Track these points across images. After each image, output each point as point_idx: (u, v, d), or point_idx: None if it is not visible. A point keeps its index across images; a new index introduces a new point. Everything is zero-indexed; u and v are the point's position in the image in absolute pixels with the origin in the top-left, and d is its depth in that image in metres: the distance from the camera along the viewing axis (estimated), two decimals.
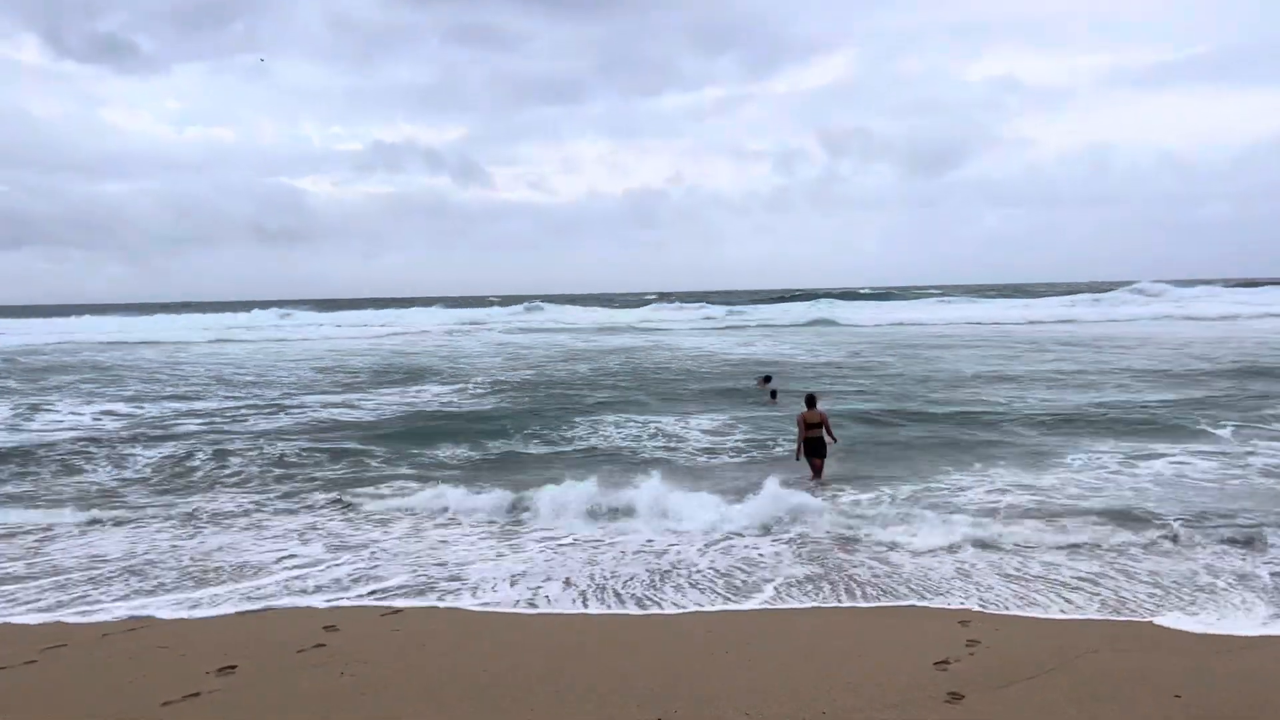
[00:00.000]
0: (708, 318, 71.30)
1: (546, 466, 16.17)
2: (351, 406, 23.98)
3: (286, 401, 25.18)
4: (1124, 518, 12.06)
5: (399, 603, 9.46)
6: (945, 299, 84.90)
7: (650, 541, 11.60)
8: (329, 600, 9.53)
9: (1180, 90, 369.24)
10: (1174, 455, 16.01)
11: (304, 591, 9.81)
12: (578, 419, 20.99)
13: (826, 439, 15.22)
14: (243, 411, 23.24)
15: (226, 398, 26.34)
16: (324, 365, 37.04)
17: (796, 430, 15.50)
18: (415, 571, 10.51)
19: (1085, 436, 17.94)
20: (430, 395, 26.37)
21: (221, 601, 9.50)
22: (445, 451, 17.68)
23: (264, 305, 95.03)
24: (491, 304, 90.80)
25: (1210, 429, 18.39)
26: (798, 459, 15.35)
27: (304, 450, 17.72)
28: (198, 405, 24.50)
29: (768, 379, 25.89)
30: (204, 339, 57.04)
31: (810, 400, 15.71)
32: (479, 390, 27.33)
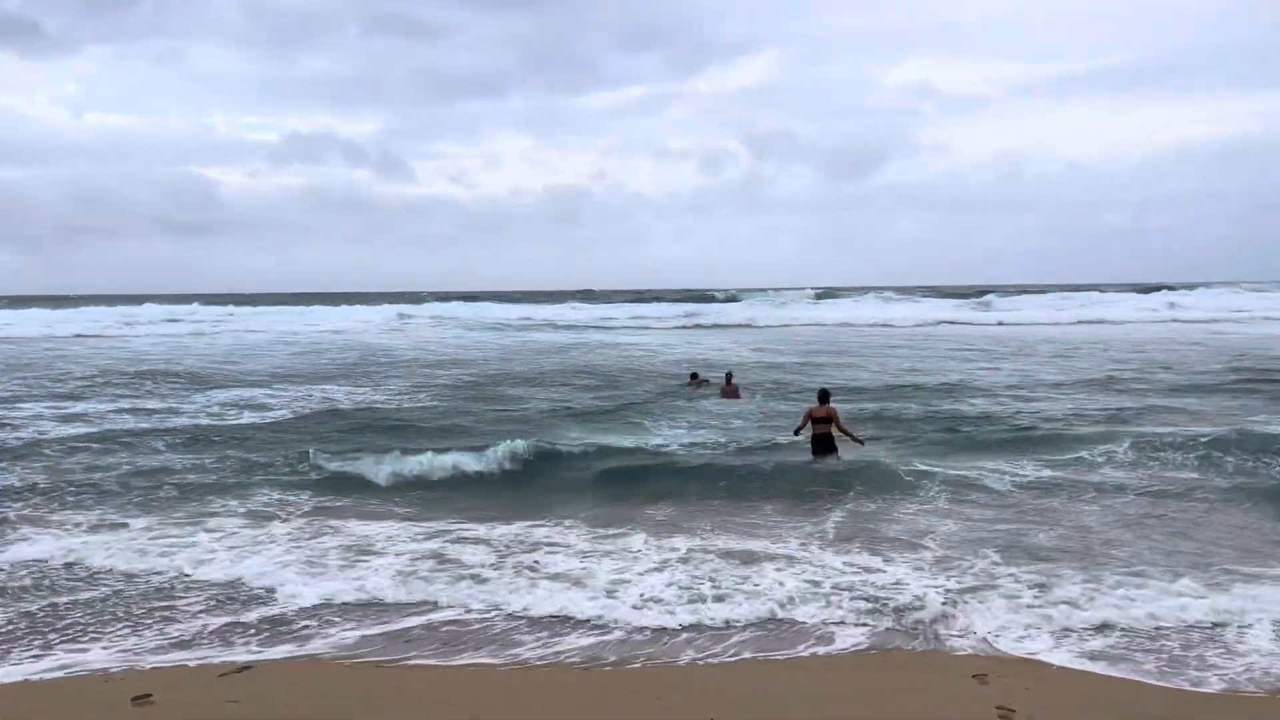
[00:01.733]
0: (635, 316, 68.83)
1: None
2: (254, 407, 21.35)
3: (178, 402, 22.27)
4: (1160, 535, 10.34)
5: (243, 654, 7.21)
6: (888, 298, 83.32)
7: (585, 568, 9.49)
8: (148, 656, 7.22)
9: (1085, 102, 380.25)
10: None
11: (120, 647, 7.46)
12: (513, 425, 18.84)
13: (848, 439, 14.48)
14: (119, 414, 20.32)
15: (109, 398, 23.22)
16: (229, 362, 34.04)
17: (800, 421, 14.99)
18: (270, 610, 8.24)
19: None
20: (343, 396, 23.79)
21: None
22: (355, 457, 15.20)
23: (172, 300, 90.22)
24: (422, 300, 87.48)
25: None
26: (795, 434, 15.01)
27: (175, 456, 15.16)
28: (75, 408, 21.36)
29: (694, 375, 24.51)
30: (101, 332, 52.63)
31: (822, 395, 14.96)
32: (400, 390, 24.83)
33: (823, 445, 14.41)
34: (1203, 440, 14.95)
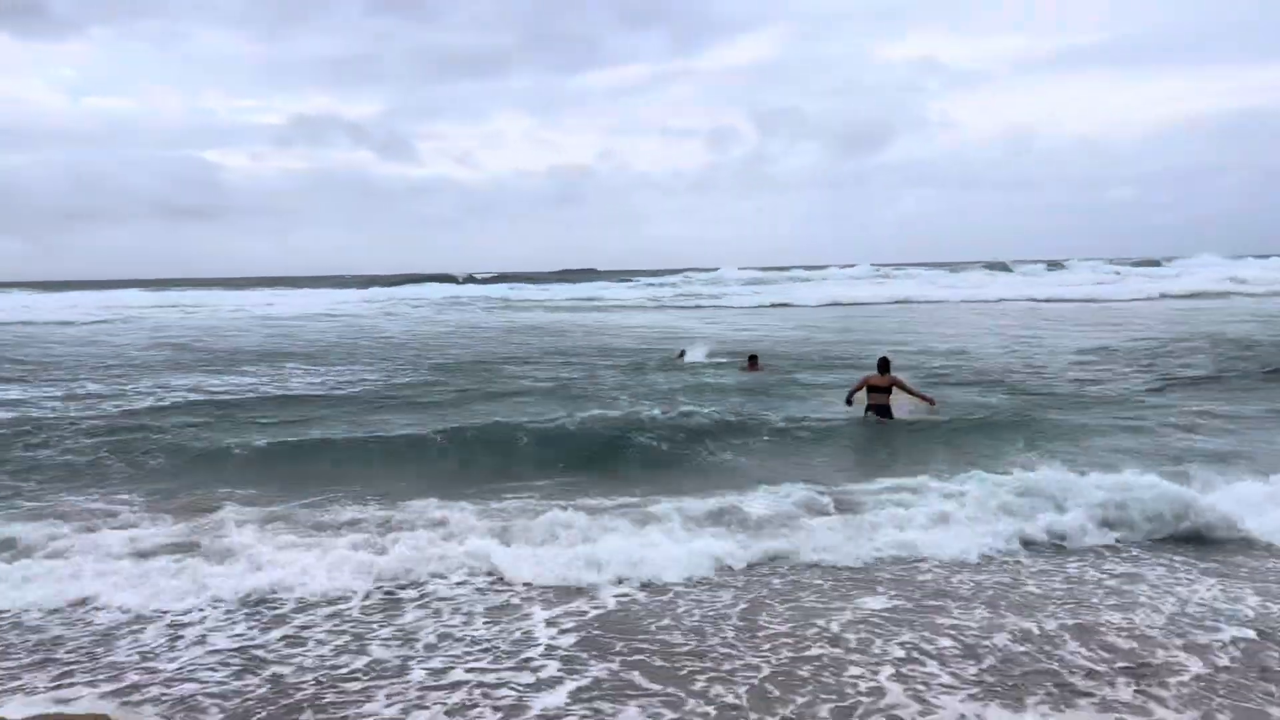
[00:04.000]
0: (652, 298, 66.19)
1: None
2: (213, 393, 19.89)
3: (157, 385, 20.84)
4: None
5: None
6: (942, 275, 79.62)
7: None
8: None
9: (1089, 75, 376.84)
10: None
11: None
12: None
13: (913, 404, 14.25)
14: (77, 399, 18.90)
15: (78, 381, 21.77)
16: (216, 346, 32.54)
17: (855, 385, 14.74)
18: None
19: None
20: (333, 378, 22.33)
21: None
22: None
23: (171, 285, 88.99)
24: (423, 281, 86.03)
25: None
26: (848, 403, 14.56)
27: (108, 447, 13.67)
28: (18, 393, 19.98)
29: (682, 354, 24.06)
30: (91, 319, 50.93)
31: (883, 364, 14.59)
32: (405, 372, 23.29)
33: (878, 414, 14.20)
34: None
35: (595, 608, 7.34)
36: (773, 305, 56.11)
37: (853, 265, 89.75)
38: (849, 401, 14.61)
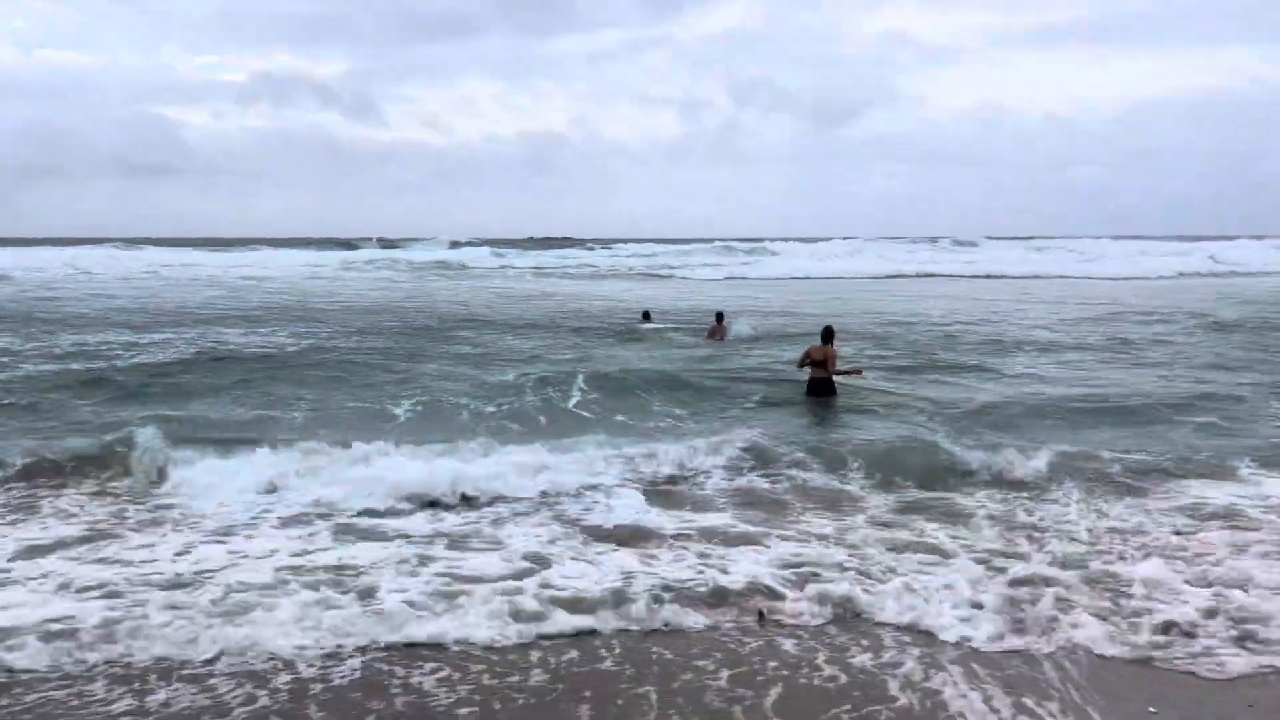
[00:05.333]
0: (586, 264, 62.99)
1: None
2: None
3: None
4: None
5: None
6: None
7: None
8: None
9: (1062, 52, 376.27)
10: None
11: None
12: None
13: (842, 379, 13.41)
14: None
15: None
16: (145, 306, 30.27)
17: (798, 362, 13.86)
18: None
19: None
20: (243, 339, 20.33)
21: None
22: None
23: (126, 243, 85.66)
24: (391, 245, 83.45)
25: None
26: (798, 367, 13.90)
27: None
28: None
29: (647, 315, 24.16)
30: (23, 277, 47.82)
31: (826, 334, 13.48)
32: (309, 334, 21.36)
33: (818, 389, 13.24)
34: None
35: None
36: (788, 280, 52.90)
37: (832, 239, 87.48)
38: (800, 366, 13.82)
